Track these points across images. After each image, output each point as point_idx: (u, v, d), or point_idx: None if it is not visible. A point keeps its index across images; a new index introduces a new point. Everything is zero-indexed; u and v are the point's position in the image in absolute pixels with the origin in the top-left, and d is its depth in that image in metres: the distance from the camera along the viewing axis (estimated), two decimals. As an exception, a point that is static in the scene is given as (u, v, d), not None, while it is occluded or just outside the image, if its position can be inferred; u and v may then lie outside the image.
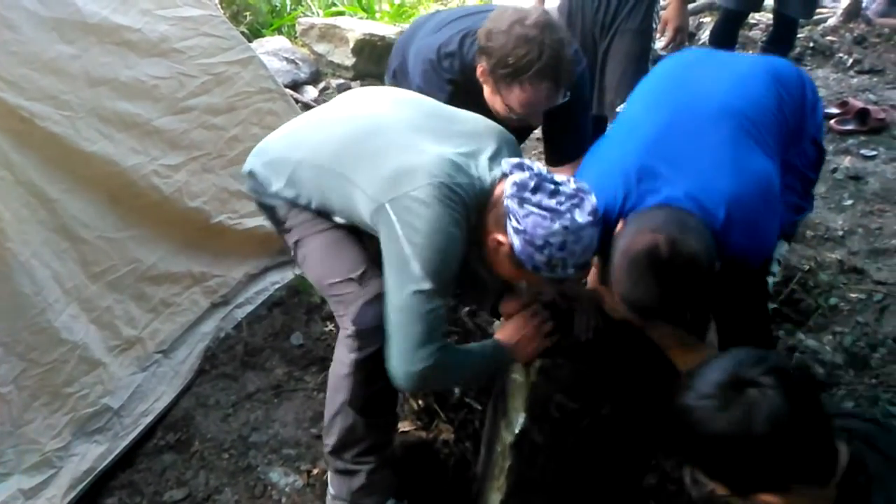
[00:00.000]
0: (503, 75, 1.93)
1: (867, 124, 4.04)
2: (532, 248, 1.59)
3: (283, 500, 2.20)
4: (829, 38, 5.33)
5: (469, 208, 1.68)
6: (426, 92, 2.23)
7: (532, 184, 1.61)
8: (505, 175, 1.69)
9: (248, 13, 5.29)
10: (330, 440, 1.97)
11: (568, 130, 2.12)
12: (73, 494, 2.11)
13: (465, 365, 1.85)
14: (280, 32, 5.29)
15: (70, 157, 2.21)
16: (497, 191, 1.68)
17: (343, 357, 1.86)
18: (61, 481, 2.10)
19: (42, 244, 2.14)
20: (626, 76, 2.75)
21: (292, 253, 2.00)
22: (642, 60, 2.81)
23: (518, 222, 1.60)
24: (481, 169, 1.72)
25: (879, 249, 3.10)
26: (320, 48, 4.88)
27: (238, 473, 2.27)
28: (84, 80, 2.25)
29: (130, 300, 2.41)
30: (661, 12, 3.01)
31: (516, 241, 1.61)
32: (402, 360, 1.69)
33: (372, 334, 1.78)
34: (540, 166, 1.68)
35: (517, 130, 2.27)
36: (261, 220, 2.85)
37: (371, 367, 1.81)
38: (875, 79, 4.82)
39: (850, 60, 5.02)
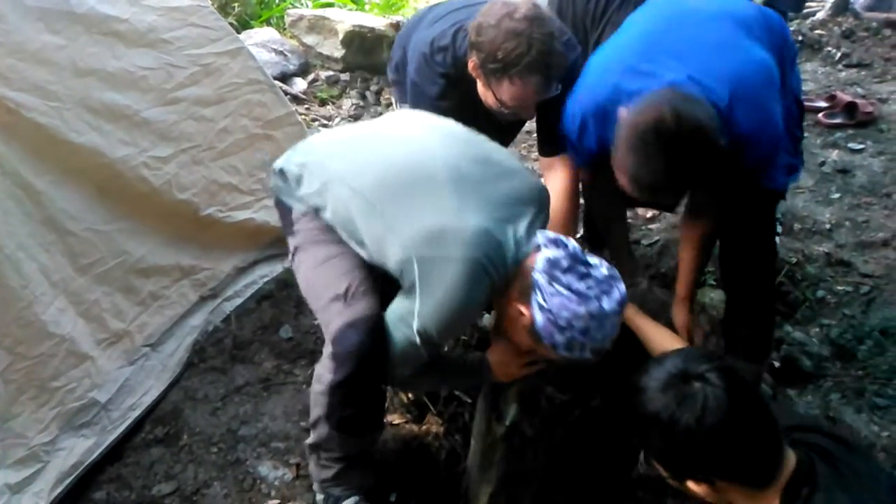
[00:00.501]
0: (493, 70, 1.92)
1: (855, 118, 4.06)
2: (554, 327, 1.58)
3: (273, 493, 2.19)
4: (817, 31, 5.35)
5: (497, 279, 1.66)
6: (419, 85, 2.23)
7: (566, 264, 1.59)
8: (539, 247, 1.65)
9: (236, 4, 5.25)
10: (310, 438, 2.00)
11: (555, 129, 2.11)
12: (60, 489, 2.10)
13: (442, 376, 1.94)
14: (269, 24, 5.26)
15: (57, 148, 2.19)
16: (528, 262, 1.64)
17: (322, 374, 1.84)
18: (48, 476, 2.09)
19: (28, 236, 2.12)
20: None
21: (290, 256, 2.00)
22: None
23: (545, 300, 1.58)
24: (518, 236, 1.68)
25: (866, 242, 3.12)
26: (309, 39, 4.85)
27: (227, 467, 2.27)
28: (71, 70, 2.23)
29: (118, 293, 2.39)
30: None
31: (539, 317, 1.59)
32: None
33: (349, 359, 1.76)
34: (575, 245, 1.64)
35: (509, 124, 2.28)
36: (250, 213, 2.85)
37: (347, 391, 1.80)
38: (863, 72, 4.84)
39: (839, 54, 5.04)
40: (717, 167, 1.67)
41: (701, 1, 1.94)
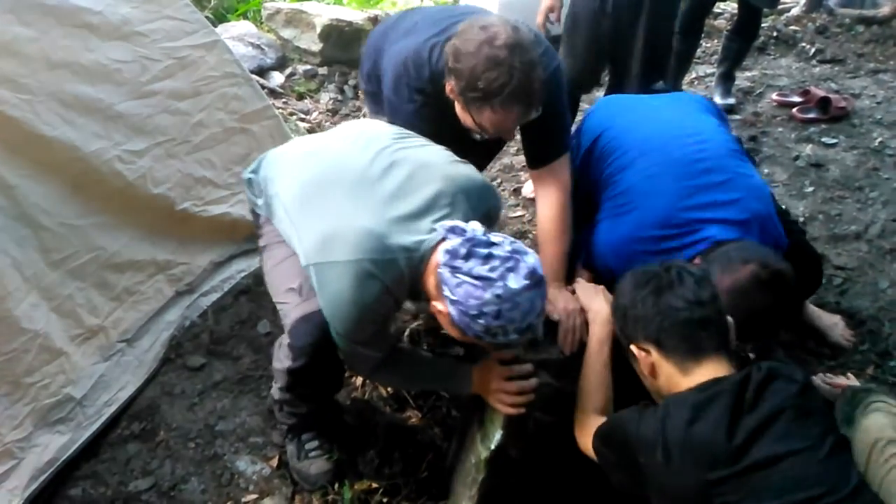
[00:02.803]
0: (473, 98, 1.86)
1: (828, 113, 4.11)
2: (468, 318, 1.53)
3: (251, 487, 2.19)
4: (792, 27, 5.41)
5: (398, 278, 1.66)
6: (395, 103, 2.18)
7: (464, 251, 1.53)
8: (442, 240, 1.62)
9: (212, -3, 5.21)
10: (273, 392, 2.16)
11: (544, 137, 2.08)
12: (35, 485, 2.08)
13: (416, 376, 2.00)
14: (245, 17, 5.22)
15: (30, 141, 2.16)
16: (433, 258, 1.62)
17: (282, 357, 1.96)
18: (23, 472, 2.06)
19: (1, 231, 2.09)
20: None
21: (259, 256, 2.10)
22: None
23: (452, 292, 1.54)
24: (421, 233, 1.67)
25: (839, 235, 3.16)
26: (286, 33, 4.82)
27: (204, 462, 2.26)
28: (43, 62, 2.20)
29: (93, 288, 2.37)
30: None
31: (452, 311, 1.55)
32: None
33: (303, 353, 1.87)
34: (475, 229, 1.59)
35: (492, 142, 2.23)
36: (226, 208, 2.83)
37: (303, 377, 1.94)
38: (836, 68, 4.90)
39: (813, 50, 5.10)
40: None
41: (687, 133, 2.20)
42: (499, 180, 3.78)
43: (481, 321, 1.52)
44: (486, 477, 1.92)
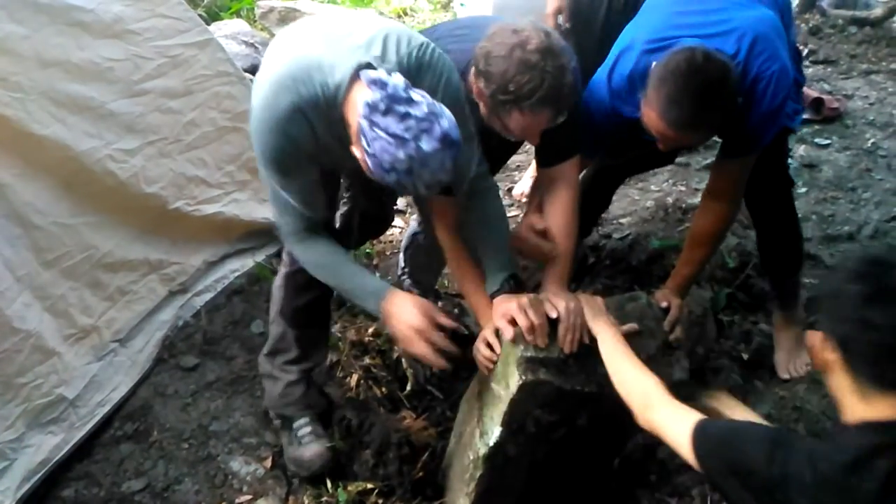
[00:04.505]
0: (503, 101, 1.85)
1: (821, 113, 4.12)
2: (381, 170, 1.60)
3: (244, 488, 2.18)
4: (784, 28, 5.42)
5: (312, 100, 1.71)
6: None
7: (383, 106, 1.58)
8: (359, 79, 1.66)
9: (205, -5, 5.19)
10: (266, 346, 2.34)
11: (558, 137, 2.08)
12: (27, 486, 2.06)
13: (336, 276, 2.00)
14: (239, 15, 5.20)
15: (21, 140, 2.15)
16: (349, 103, 1.67)
17: (279, 273, 2.26)
18: (15, 473, 2.05)
19: (-8, 231, 2.08)
20: None
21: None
22: None
23: (368, 144, 1.60)
24: (343, 67, 1.70)
25: (832, 236, 3.17)
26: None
27: (198, 463, 2.25)
28: (35, 61, 2.18)
29: (86, 288, 2.35)
30: None
31: (368, 161, 1.62)
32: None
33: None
34: (396, 83, 1.60)
35: (510, 143, 2.22)
36: (219, 207, 2.82)
37: (298, 281, 2.17)
38: (829, 69, 4.91)
39: (806, 51, 5.10)
40: (735, 108, 1.88)
41: None
42: (493, 180, 3.78)
43: (393, 175, 1.59)
44: (483, 473, 1.92)
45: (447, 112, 1.62)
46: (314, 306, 2.26)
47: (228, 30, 4.61)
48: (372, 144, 1.58)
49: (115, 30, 2.43)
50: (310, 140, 1.78)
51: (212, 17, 5.03)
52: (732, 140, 2.11)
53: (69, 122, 2.27)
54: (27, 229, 2.18)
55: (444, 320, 1.90)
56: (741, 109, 1.94)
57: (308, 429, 2.25)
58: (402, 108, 1.57)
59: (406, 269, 2.89)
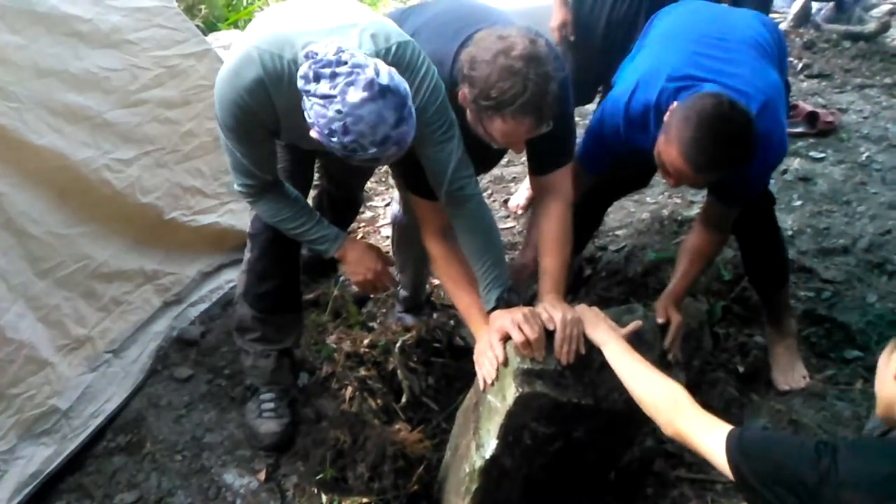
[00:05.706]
0: (485, 106, 1.84)
1: (816, 127, 4.14)
2: (325, 137, 1.59)
3: (238, 501, 2.17)
4: (779, 42, 5.45)
5: (277, 75, 1.73)
6: None
7: (311, 73, 1.57)
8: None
9: (203, 6, 5.21)
10: (234, 322, 2.43)
11: (549, 146, 2.07)
12: (19, 498, 2.04)
13: (295, 223, 2.06)
14: (236, 26, 5.22)
15: (17, 149, 2.14)
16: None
17: (244, 257, 2.31)
18: (6, 485, 2.03)
19: (-14, 240, 2.07)
20: None
21: None
22: None
23: (308, 116, 1.60)
24: (306, 43, 1.71)
25: (827, 249, 3.18)
26: (277, 43, 4.81)
27: (191, 475, 2.23)
28: (32, 70, 2.18)
29: (80, 298, 2.34)
30: None
31: (315, 134, 1.62)
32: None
33: (256, 239, 2.25)
34: (326, 51, 1.59)
35: (494, 152, 2.22)
36: (215, 217, 2.81)
37: (260, 267, 2.26)
38: (823, 83, 4.95)
39: (800, 65, 5.15)
40: (749, 159, 1.96)
41: (725, 23, 2.28)
42: (489, 191, 3.79)
43: (335, 139, 1.58)
44: (479, 486, 1.91)
45: (381, 64, 1.61)
46: (278, 294, 2.31)
47: (226, 40, 4.62)
48: (310, 114, 1.59)
49: (113, 40, 2.43)
50: (269, 114, 1.80)
51: (209, 27, 5.05)
52: (727, 188, 2.17)
53: (66, 131, 2.27)
54: (22, 239, 2.16)
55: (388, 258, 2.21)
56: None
57: (272, 405, 2.33)
58: (327, 70, 1.57)
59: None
